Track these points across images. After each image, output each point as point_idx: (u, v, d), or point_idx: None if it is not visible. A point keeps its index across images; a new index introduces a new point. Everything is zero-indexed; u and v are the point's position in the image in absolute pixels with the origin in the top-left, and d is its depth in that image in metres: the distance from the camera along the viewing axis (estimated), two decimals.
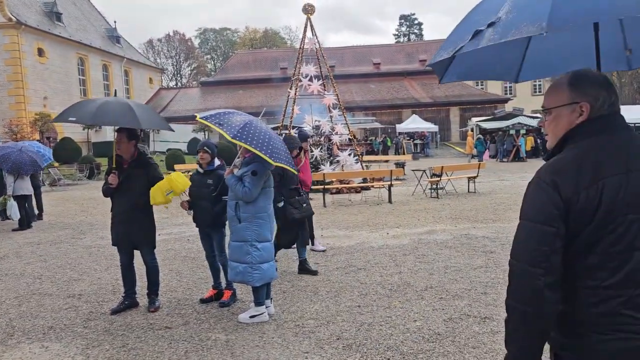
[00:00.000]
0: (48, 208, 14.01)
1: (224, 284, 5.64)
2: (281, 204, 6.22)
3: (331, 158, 17.23)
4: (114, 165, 5.28)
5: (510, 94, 50.95)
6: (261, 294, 4.95)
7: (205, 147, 5.52)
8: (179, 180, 5.31)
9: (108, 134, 35.15)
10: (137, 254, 5.51)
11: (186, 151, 33.56)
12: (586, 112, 1.76)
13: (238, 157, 5.05)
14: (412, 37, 76.13)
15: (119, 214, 5.37)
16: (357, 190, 15.92)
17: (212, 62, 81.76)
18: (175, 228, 10.57)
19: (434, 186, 14.58)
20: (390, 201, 13.56)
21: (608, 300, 1.63)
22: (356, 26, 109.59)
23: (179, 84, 73.14)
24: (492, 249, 7.60)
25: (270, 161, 4.59)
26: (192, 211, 5.63)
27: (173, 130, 5.91)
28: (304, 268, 6.70)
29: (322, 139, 17.60)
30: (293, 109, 17.86)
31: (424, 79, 49.70)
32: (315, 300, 5.56)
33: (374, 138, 39.85)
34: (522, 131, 31.88)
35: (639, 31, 2.50)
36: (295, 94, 17.93)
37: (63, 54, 38.72)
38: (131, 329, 4.91)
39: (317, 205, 13.46)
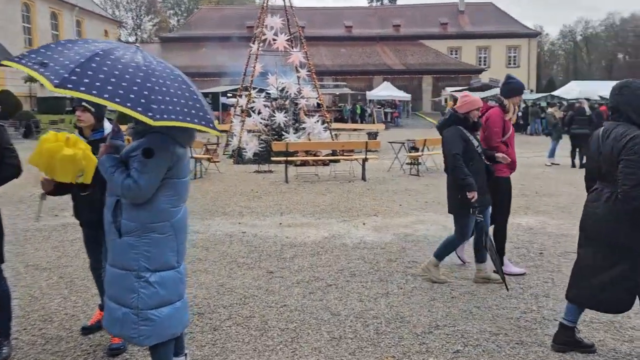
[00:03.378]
0: None
1: None
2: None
3: (296, 125, 15.08)
4: None
5: (485, 64, 49.25)
6: (162, 354, 2.87)
7: (83, 103, 3.35)
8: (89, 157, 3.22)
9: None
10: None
11: None
12: None
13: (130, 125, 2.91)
14: (386, 2, 73.33)
15: None
16: (325, 163, 13.90)
17: (176, 18, 77.13)
18: None
19: (414, 161, 12.66)
20: (364, 178, 11.58)
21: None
22: None
23: (139, 39, 68.68)
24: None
25: (147, 119, 2.33)
26: (45, 197, 3.41)
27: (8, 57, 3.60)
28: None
29: (287, 102, 15.40)
30: (255, 67, 15.56)
31: (397, 44, 47.52)
32: (261, 349, 3.55)
33: (343, 105, 37.56)
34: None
35: None
36: (257, 49, 15.61)
37: None
38: None
39: (278, 180, 11.41)
